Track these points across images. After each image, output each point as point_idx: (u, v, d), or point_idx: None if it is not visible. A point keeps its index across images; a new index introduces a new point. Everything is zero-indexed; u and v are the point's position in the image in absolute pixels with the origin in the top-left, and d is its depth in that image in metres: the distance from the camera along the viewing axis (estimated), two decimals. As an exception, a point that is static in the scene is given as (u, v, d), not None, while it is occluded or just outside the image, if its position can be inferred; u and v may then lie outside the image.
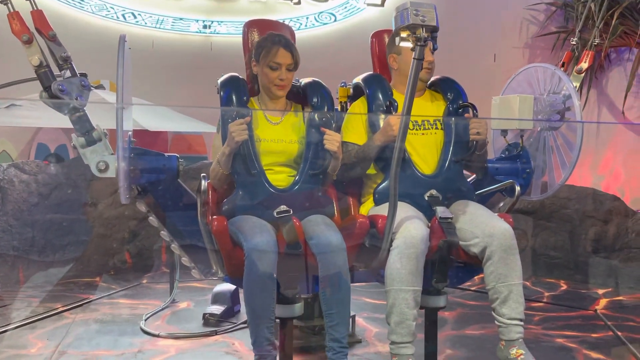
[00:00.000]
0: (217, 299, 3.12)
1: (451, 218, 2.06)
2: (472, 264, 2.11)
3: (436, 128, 2.27)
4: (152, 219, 2.18)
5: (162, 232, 2.23)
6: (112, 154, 1.87)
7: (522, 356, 1.93)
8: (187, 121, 5.05)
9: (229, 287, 3.16)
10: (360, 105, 2.29)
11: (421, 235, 1.96)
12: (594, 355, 2.58)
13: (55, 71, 1.85)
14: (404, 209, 2.06)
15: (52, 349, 2.57)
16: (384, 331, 2.79)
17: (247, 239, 1.89)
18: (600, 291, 3.71)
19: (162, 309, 3.25)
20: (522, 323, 1.98)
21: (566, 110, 2.41)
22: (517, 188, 2.26)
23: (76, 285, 3.79)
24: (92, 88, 1.93)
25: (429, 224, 2.07)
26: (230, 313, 3.08)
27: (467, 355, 2.59)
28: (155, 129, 4.43)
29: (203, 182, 2.02)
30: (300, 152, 2.17)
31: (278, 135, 2.16)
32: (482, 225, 2.01)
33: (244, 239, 1.91)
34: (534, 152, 2.46)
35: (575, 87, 2.38)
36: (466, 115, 2.28)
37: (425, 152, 2.23)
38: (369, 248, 2.10)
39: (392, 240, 1.98)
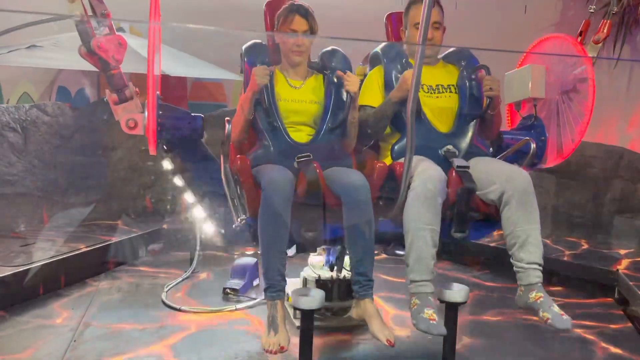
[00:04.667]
0: (236, 272, 3.15)
1: (468, 167, 2.09)
2: (490, 215, 2.12)
3: (450, 92, 2.33)
4: (177, 179, 2.25)
5: (186, 192, 2.29)
6: (142, 112, 1.93)
7: (541, 299, 1.92)
8: (207, 67, 4.98)
9: (248, 261, 3.20)
10: (377, 72, 2.37)
11: (438, 175, 2.00)
12: (612, 349, 2.50)
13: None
14: (421, 159, 2.09)
15: (77, 319, 2.62)
16: (402, 313, 2.82)
17: (265, 176, 1.98)
18: (623, 251, 3.66)
19: (183, 280, 3.29)
20: (540, 267, 1.99)
21: (580, 82, 2.29)
22: (533, 145, 2.26)
23: (98, 227, 3.85)
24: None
25: (446, 176, 2.08)
26: (249, 287, 3.11)
27: (485, 344, 2.53)
28: (175, 74, 4.37)
29: (227, 126, 2.07)
30: (319, 112, 2.26)
31: (299, 97, 2.25)
32: (499, 172, 2.05)
33: (262, 177, 1.98)
34: (548, 122, 2.41)
35: (593, 57, 2.32)
36: (479, 74, 2.32)
37: (440, 113, 2.29)
38: (388, 198, 2.10)
39: (410, 184, 1.99)
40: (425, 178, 1.98)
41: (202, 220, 2.34)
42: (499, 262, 3.71)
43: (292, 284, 2.87)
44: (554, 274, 3.44)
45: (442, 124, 2.27)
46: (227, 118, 2.14)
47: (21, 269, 2.81)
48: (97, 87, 5.38)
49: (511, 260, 2.02)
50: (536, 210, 2.01)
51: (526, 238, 1.97)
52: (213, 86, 5.55)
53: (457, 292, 2.14)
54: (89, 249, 3.28)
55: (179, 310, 2.78)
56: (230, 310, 2.80)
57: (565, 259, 3.47)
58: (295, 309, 2.22)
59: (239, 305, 2.86)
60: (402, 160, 2.02)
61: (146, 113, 1.90)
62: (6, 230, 3.61)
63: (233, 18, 5.30)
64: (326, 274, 2.70)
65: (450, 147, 2.21)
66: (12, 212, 3.77)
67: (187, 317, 2.71)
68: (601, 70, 5.38)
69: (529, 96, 2.36)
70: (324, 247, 2.72)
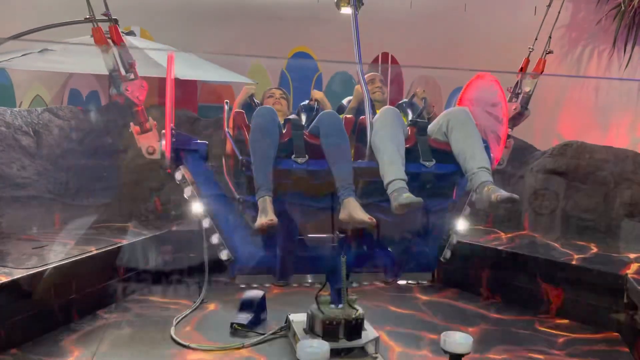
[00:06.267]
0: (244, 306, 3.18)
1: (417, 121, 2.69)
2: (448, 156, 2.54)
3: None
4: (187, 190, 2.56)
5: (195, 204, 2.57)
6: (159, 141, 2.39)
7: (491, 188, 2.33)
8: (216, 70, 5.01)
9: (255, 294, 3.24)
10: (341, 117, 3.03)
11: (393, 108, 2.59)
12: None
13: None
14: None
15: (89, 358, 2.67)
16: (408, 351, 2.87)
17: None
18: (632, 255, 3.63)
19: (192, 312, 3.34)
20: (487, 170, 2.42)
21: (497, 109, 2.66)
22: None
23: (108, 230, 3.89)
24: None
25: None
26: (257, 321, 3.13)
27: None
28: (184, 77, 4.40)
29: (226, 106, 2.86)
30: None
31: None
32: (442, 113, 2.65)
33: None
34: (485, 138, 2.73)
35: (529, 90, 2.82)
36: (412, 92, 3.10)
37: None
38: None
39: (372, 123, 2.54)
40: (384, 110, 2.56)
41: (209, 238, 2.58)
42: (504, 269, 3.71)
43: (298, 319, 2.94)
44: (563, 278, 3.45)
45: None
46: (225, 100, 2.93)
47: (33, 271, 2.86)
48: (108, 90, 5.43)
49: (466, 175, 2.46)
50: (476, 130, 2.52)
51: (472, 151, 2.45)
52: (222, 89, 5.58)
53: (460, 344, 2.33)
54: (99, 251, 3.32)
55: (188, 347, 2.82)
56: (238, 348, 2.83)
57: (574, 262, 3.45)
58: None
59: (247, 342, 2.88)
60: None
61: (163, 141, 2.36)
62: (18, 233, 3.66)
63: (238, 17, 5.33)
64: (333, 312, 2.72)
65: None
66: (25, 215, 3.82)
67: (195, 356, 2.75)
68: (611, 73, 5.36)
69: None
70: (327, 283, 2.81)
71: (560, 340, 3.12)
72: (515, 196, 2.25)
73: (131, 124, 2.34)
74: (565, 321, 3.39)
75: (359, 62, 2.69)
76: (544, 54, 2.83)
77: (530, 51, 2.86)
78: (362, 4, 2.73)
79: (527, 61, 2.86)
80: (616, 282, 3.17)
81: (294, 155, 2.47)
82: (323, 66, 5.57)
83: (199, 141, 2.59)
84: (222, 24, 5.40)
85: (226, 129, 2.74)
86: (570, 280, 3.41)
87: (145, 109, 2.37)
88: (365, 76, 3.14)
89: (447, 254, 2.85)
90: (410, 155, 2.52)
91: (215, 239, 2.58)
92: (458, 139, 2.50)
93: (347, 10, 2.71)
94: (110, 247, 3.41)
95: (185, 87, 5.32)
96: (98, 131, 4.37)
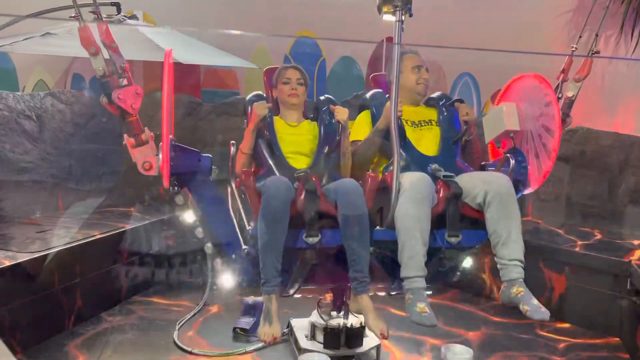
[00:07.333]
0: (247, 310, 3.19)
1: (452, 175, 2.30)
2: (479, 220, 2.25)
3: (431, 125, 2.62)
4: (188, 215, 2.43)
5: (197, 229, 2.44)
6: (156, 155, 2.08)
7: (521, 293, 2.07)
8: (220, 55, 4.97)
9: (258, 298, 3.21)
10: (365, 115, 2.66)
11: (426, 178, 2.20)
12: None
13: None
14: (410, 172, 2.29)
15: None
16: (410, 357, 2.84)
17: (266, 182, 2.22)
18: (636, 242, 3.61)
19: (194, 315, 3.35)
20: (521, 264, 2.14)
21: (548, 116, 2.37)
22: (512, 162, 2.38)
23: (112, 214, 3.90)
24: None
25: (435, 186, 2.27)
26: (259, 325, 3.12)
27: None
28: (187, 62, 4.37)
29: (232, 148, 2.49)
30: (314, 143, 2.59)
31: (295, 131, 2.62)
32: (481, 177, 2.28)
33: (264, 183, 2.21)
34: (526, 151, 2.48)
35: (572, 95, 2.46)
36: (456, 103, 2.67)
37: (425, 141, 2.55)
38: (383, 208, 2.28)
39: (399, 189, 2.16)
40: (414, 181, 2.16)
41: (214, 257, 2.46)
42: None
43: (299, 324, 2.94)
44: (566, 264, 3.44)
45: (428, 150, 2.52)
46: (232, 141, 2.53)
47: (37, 255, 2.86)
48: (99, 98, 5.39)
49: (495, 259, 2.18)
50: (517, 209, 2.18)
51: (507, 236, 2.13)
52: (225, 74, 5.55)
53: (460, 357, 2.36)
54: (103, 235, 3.33)
55: (190, 353, 2.84)
56: (240, 354, 2.84)
57: (577, 249, 3.44)
58: None
59: (248, 348, 2.89)
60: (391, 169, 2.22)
61: (160, 155, 2.06)
62: (22, 217, 3.67)
63: (241, 0, 5.29)
64: (334, 320, 2.71)
65: (436, 165, 2.38)
66: (28, 199, 3.83)
67: (197, 361, 2.77)
68: (618, 58, 5.29)
69: (505, 129, 2.49)
70: (330, 290, 2.78)
71: (561, 345, 3.11)
72: (547, 316, 2.00)
73: (125, 135, 2.07)
74: (566, 325, 3.39)
75: (396, 82, 2.19)
76: (590, 53, 2.48)
77: (573, 50, 2.54)
78: (411, 15, 2.21)
79: (570, 61, 2.51)
80: (620, 268, 3.16)
81: (305, 235, 2.19)
82: (327, 51, 5.53)
83: (203, 155, 2.31)
84: (226, 7, 5.35)
85: (232, 185, 2.44)
86: (573, 267, 3.40)
87: (147, 95, 2.15)
88: (408, 56, 2.67)
89: (457, 275, 2.68)
90: (434, 224, 2.18)
91: (218, 263, 2.54)
92: (494, 218, 2.16)
93: (389, 17, 2.23)
94: (113, 232, 3.42)
95: (189, 72, 5.29)
96: (101, 116, 4.36)
